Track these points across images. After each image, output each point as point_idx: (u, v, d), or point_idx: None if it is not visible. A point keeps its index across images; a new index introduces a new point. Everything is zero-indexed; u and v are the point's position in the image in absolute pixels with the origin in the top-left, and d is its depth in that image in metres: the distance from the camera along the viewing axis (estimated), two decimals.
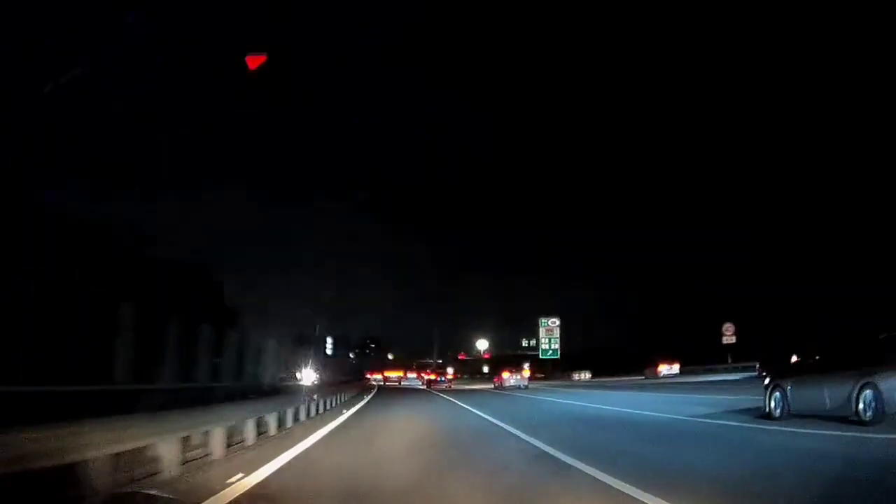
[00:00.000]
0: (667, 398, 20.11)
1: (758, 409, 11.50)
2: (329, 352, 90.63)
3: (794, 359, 11.63)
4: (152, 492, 5.33)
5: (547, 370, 70.19)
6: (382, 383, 61.67)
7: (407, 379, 73.54)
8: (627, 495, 5.07)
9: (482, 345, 79.30)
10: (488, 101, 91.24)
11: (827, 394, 9.56)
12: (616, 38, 60.49)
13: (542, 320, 69.73)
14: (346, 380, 32.73)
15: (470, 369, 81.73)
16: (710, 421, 11.46)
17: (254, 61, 10.08)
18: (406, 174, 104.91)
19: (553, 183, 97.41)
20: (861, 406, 8.93)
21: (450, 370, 66.43)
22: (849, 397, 9.09)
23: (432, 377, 52.97)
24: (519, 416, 14.46)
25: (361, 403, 22.48)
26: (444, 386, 45.78)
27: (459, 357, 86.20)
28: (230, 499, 5.34)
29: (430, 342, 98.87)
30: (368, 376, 61.72)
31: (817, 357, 10.41)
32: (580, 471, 6.41)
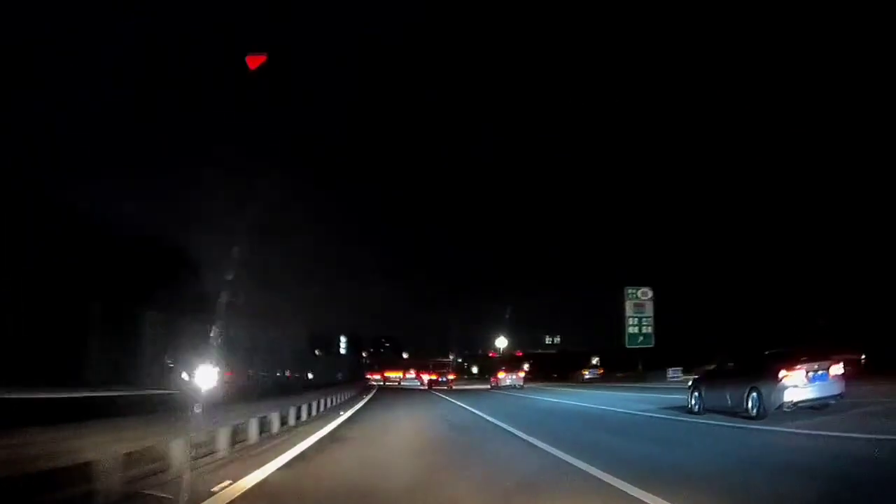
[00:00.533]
0: (642, 397, 22.72)
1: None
2: (343, 351, 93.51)
3: (710, 367, 14.44)
4: (148, 492, 5.45)
5: (631, 364, 48.66)
6: (382, 383, 62.76)
7: (406, 379, 74.36)
8: (526, 441, 9.06)
9: (501, 342, 76.09)
10: (488, 101, 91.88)
11: (728, 395, 12.36)
12: (616, 37, 61.35)
13: (630, 291, 47.15)
14: (325, 384, 22.14)
15: (498, 368, 78.43)
16: (644, 413, 14.36)
17: (254, 61, 10.03)
18: (406, 172, 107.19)
19: (563, 182, 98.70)
20: (750, 405, 11.71)
21: (474, 368, 66.18)
22: (742, 398, 11.89)
23: (433, 377, 53.26)
24: (494, 408, 18.06)
25: (343, 416, 16.37)
26: (444, 386, 46.81)
27: (490, 355, 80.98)
28: (227, 500, 5.39)
29: (447, 341, 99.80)
30: (369, 376, 61.77)
31: (723, 366, 13.22)
32: (508, 430, 11.45)
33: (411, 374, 77.24)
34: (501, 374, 44.57)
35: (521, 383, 42.11)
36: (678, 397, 15.34)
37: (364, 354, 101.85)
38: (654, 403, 17.25)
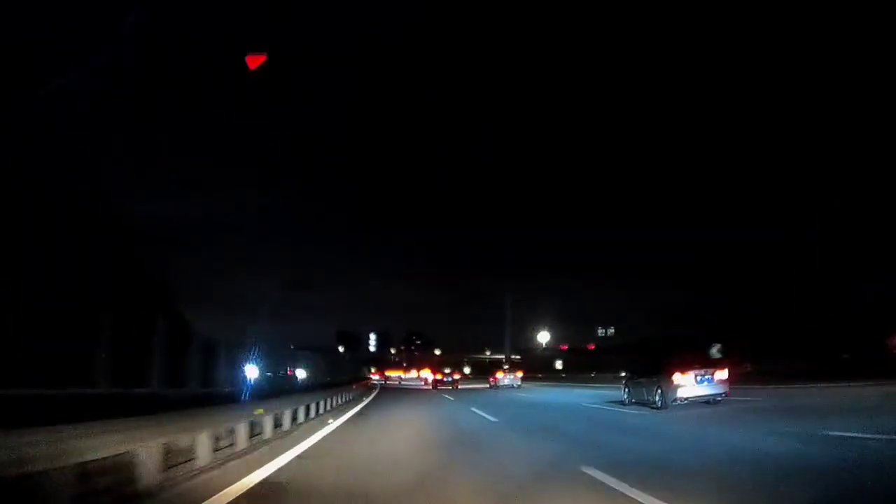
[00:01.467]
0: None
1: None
2: (372, 348, 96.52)
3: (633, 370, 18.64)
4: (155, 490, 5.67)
5: None
6: (384, 383, 63.40)
7: (406, 379, 74.73)
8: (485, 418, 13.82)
9: (543, 337, 74.58)
10: (488, 101, 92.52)
11: (644, 391, 16.54)
12: (615, 37, 62.05)
13: None
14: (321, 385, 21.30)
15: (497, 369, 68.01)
16: (587, 405, 18.66)
17: (254, 61, 10.00)
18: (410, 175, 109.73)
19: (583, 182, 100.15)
20: (656, 398, 15.87)
21: (558, 362, 63.78)
22: (651, 393, 16.05)
23: (438, 377, 52.46)
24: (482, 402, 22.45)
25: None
26: (449, 386, 47.33)
27: (561, 349, 74.08)
28: (229, 499, 5.59)
29: (483, 337, 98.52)
30: (371, 376, 61.49)
31: (642, 369, 17.36)
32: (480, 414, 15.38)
33: (412, 373, 76.71)
34: (500, 375, 46.45)
35: (519, 383, 43.70)
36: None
37: (393, 351, 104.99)
38: (596, 396, 21.44)
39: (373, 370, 64.93)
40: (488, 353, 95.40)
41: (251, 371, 15.55)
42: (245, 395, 11.36)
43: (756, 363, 26.03)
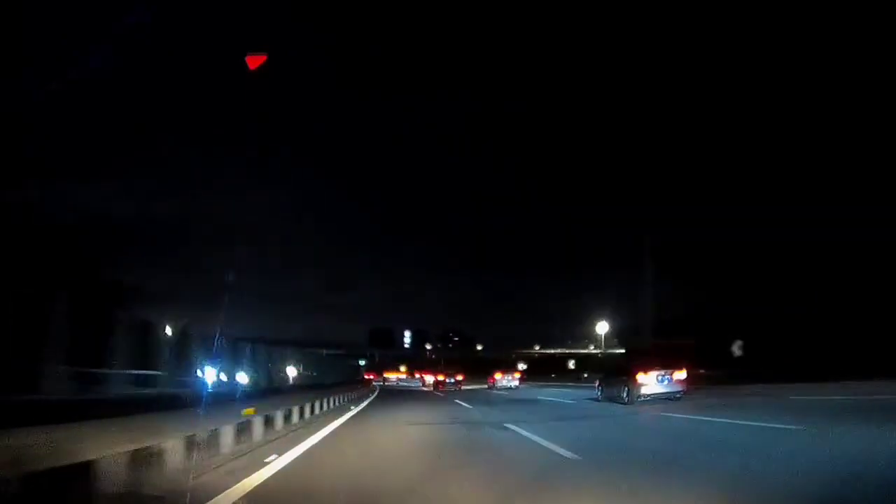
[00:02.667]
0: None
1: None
2: (407, 345, 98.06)
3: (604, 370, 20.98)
4: (155, 493, 5.58)
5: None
6: (382, 384, 63.77)
7: (405, 380, 75.71)
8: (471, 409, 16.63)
9: (602, 328, 72.05)
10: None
11: (614, 389, 18.95)
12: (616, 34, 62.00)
13: None
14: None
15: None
16: (566, 401, 21.12)
17: (254, 61, 9.84)
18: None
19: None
20: (624, 395, 18.25)
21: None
22: (620, 390, 18.43)
23: (440, 378, 52.32)
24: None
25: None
26: (452, 388, 46.70)
27: None
28: (232, 500, 5.53)
29: (531, 331, 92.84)
30: (367, 377, 60.62)
31: (612, 369, 19.73)
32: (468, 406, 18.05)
33: (417, 375, 76.62)
34: (498, 375, 45.96)
35: (517, 384, 43.31)
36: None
37: (429, 348, 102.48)
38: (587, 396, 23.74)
39: (367, 374, 64.73)
40: (537, 347, 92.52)
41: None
42: None
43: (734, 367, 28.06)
